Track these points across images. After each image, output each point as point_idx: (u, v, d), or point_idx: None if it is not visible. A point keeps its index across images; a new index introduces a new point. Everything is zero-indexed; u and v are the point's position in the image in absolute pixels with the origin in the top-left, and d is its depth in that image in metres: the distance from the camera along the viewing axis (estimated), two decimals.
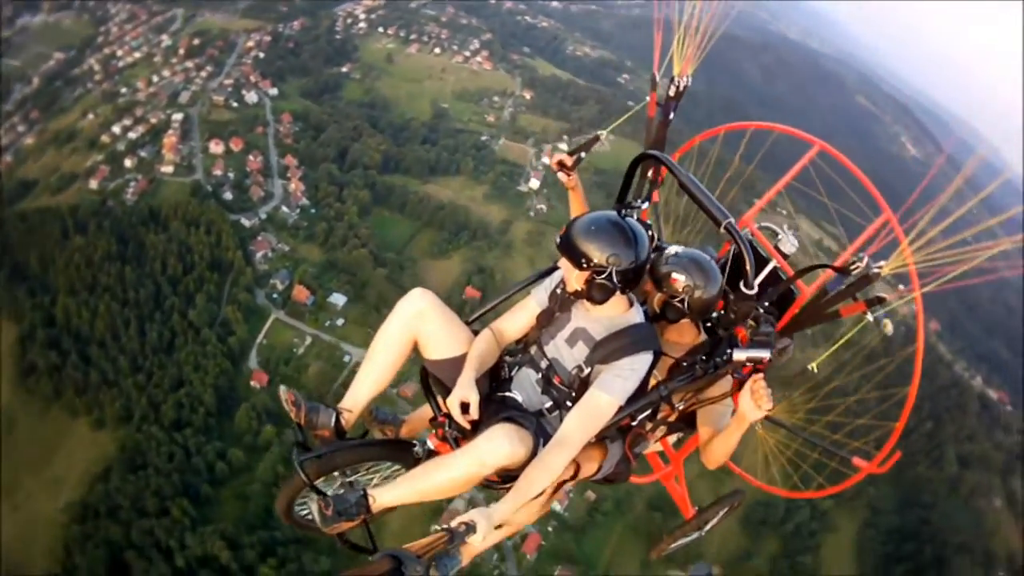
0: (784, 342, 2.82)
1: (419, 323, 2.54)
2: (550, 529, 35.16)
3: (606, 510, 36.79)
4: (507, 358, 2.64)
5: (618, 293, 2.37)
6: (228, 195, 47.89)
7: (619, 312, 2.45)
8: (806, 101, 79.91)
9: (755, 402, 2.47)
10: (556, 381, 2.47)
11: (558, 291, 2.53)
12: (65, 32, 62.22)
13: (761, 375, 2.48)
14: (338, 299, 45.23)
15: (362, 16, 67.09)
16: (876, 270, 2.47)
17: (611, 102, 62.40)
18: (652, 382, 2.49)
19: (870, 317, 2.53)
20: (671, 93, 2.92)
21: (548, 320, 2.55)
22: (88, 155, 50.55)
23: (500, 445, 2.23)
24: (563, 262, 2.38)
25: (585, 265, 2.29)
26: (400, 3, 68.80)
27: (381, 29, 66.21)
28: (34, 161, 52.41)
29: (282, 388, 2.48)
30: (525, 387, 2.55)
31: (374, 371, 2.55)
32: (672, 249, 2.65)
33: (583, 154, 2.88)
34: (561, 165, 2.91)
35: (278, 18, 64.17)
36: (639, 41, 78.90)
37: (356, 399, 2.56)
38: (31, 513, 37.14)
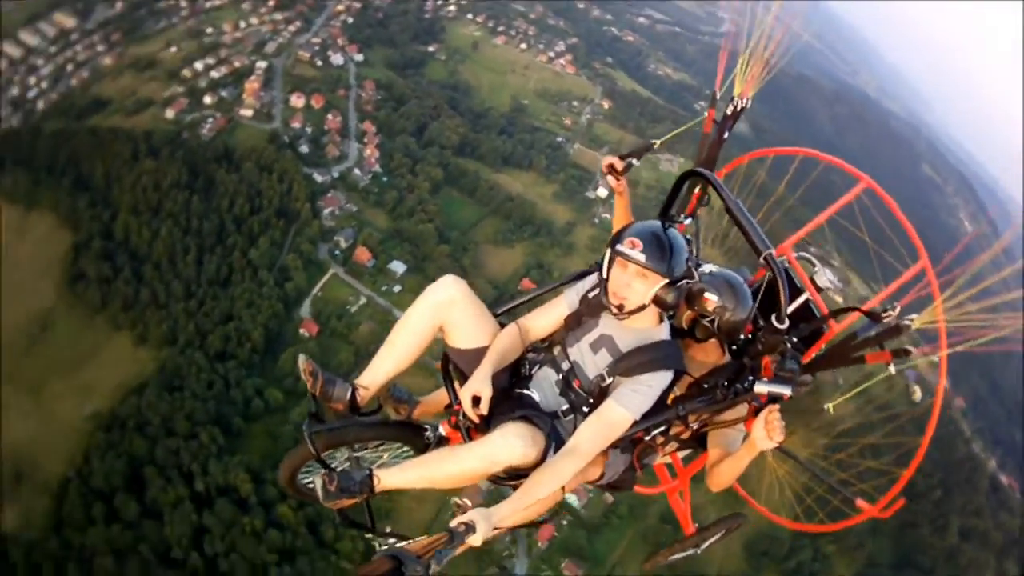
0: (805, 378, 3.00)
1: (447, 311, 2.80)
2: (564, 523, 39.21)
3: (621, 514, 40.82)
4: (530, 355, 2.91)
5: (651, 307, 2.63)
6: (304, 148, 53.91)
7: (648, 325, 2.73)
8: (873, 160, 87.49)
9: (768, 433, 2.72)
10: (575, 385, 2.75)
11: (590, 295, 2.79)
12: None
13: (777, 406, 2.73)
14: (398, 267, 50.46)
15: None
16: (908, 322, 2.70)
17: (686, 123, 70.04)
18: (671, 399, 2.83)
19: (892, 370, 2.78)
20: (728, 112, 3.21)
21: (575, 323, 2.81)
22: (167, 85, 56.55)
23: (513, 444, 2.49)
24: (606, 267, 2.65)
25: (669, 277, 2.56)
26: None
27: (470, 16, 73.87)
28: (111, 81, 58.74)
29: (301, 357, 2.76)
30: (543, 387, 2.83)
31: (395, 353, 2.81)
32: (707, 267, 2.99)
33: (634, 160, 3.14)
34: (611, 168, 3.17)
35: None
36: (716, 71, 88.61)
37: (374, 378, 2.82)
38: (53, 414, 41.69)
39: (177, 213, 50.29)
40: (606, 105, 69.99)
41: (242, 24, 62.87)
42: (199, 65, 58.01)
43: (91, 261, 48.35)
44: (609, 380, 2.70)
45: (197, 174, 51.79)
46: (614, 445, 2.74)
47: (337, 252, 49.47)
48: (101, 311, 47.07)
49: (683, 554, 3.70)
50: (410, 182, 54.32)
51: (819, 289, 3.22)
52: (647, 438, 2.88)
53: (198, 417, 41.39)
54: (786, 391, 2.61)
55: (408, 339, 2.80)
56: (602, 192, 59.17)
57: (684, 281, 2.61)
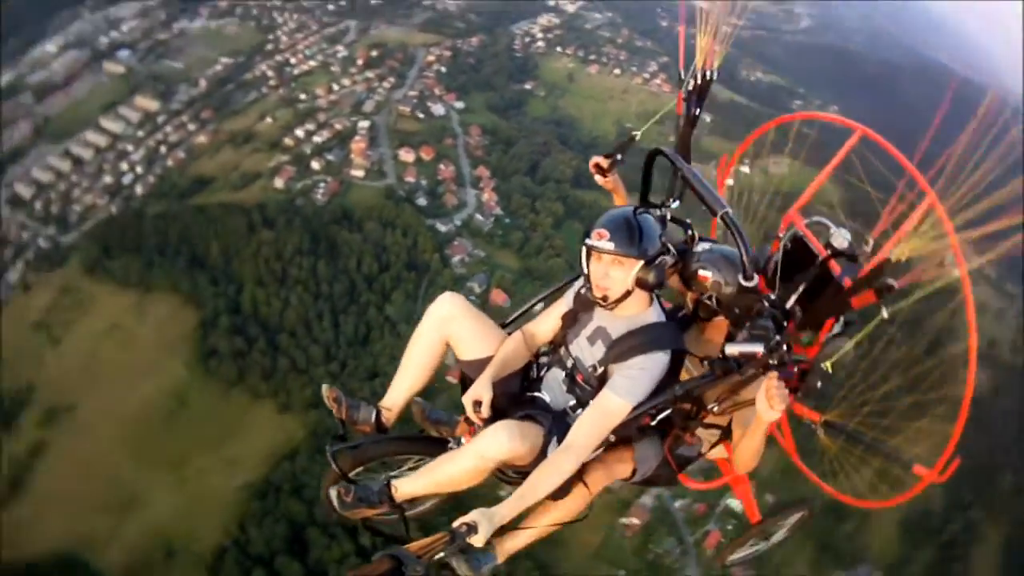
0: (841, 343, 3.61)
1: (447, 326, 3.78)
2: (729, 527, 46.65)
3: None
4: (542, 359, 3.79)
5: (638, 291, 3.38)
6: (422, 201, 64.95)
7: (638, 311, 3.46)
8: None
9: (769, 402, 3.22)
10: (579, 379, 3.55)
11: (582, 291, 3.58)
12: (230, 39, 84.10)
13: (775, 373, 3.22)
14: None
15: (539, 35, 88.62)
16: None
17: (788, 127, 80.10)
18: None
19: (885, 313, 3.23)
20: (690, 87, 3.94)
21: (573, 320, 3.66)
22: (271, 155, 69.07)
23: (498, 440, 3.26)
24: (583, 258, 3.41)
25: (641, 256, 3.30)
26: (576, 24, 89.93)
27: (559, 49, 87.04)
28: (209, 158, 71.79)
29: (324, 386, 3.77)
30: (553, 387, 3.68)
31: (408, 373, 3.86)
32: (702, 246, 3.63)
33: (618, 156, 4.03)
34: (597, 168, 4.10)
35: (455, 33, 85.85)
36: (807, 66, 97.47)
37: (394, 398, 3.87)
38: (201, 488, 51.55)
39: (305, 279, 61.60)
40: (708, 118, 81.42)
41: (335, 87, 76.03)
42: (300, 132, 70.43)
43: (222, 336, 59.31)
44: (601, 369, 3.49)
45: (319, 239, 63.50)
46: (622, 435, 3.57)
47: (472, 297, 59.10)
48: (238, 384, 57.64)
49: (752, 550, 4.53)
50: (532, 220, 64.69)
51: (839, 251, 3.61)
52: (653, 423, 3.63)
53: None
54: (757, 348, 3.16)
55: (417, 358, 3.86)
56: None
57: (661, 258, 3.35)
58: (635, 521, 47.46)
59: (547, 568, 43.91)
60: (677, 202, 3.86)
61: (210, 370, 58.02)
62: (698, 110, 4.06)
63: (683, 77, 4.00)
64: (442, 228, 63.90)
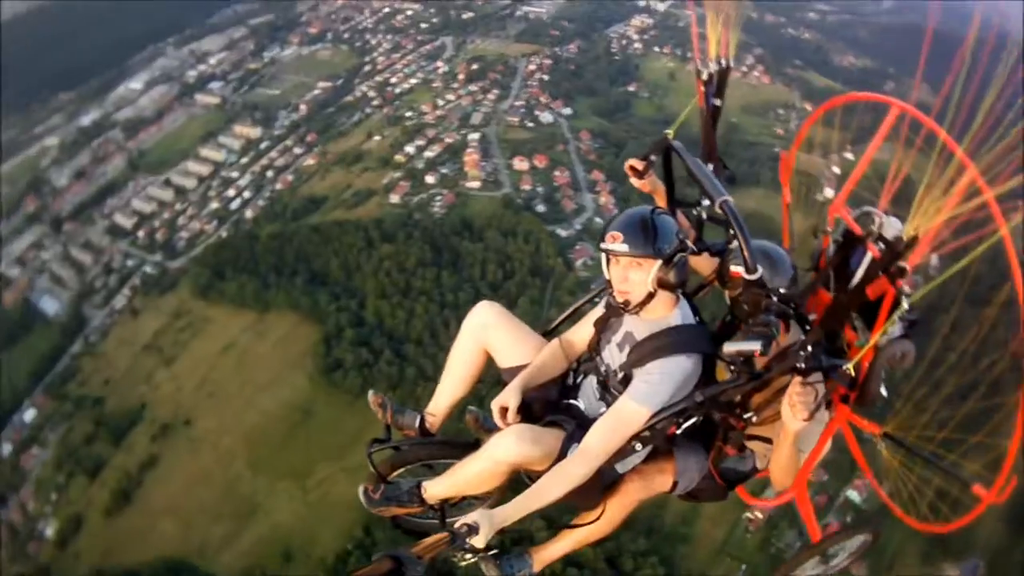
0: (904, 346, 3.85)
1: (484, 334, 4.52)
2: (847, 519, 52.75)
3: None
4: (583, 365, 4.42)
5: (662, 293, 3.84)
6: (540, 208, 77.20)
7: (662, 313, 3.92)
8: None
9: (791, 409, 3.60)
10: (609, 386, 4.09)
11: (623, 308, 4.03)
12: (324, 63, 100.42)
13: (799, 379, 3.57)
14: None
15: (635, 37, 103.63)
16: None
17: (883, 110, 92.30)
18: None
19: (906, 304, 3.58)
20: (704, 77, 4.50)
21: (605, 326, 4.23)
22: (383, 173, 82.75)
23: (508, 443, 3.85)
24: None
25: (658, 254, 3.76)
26: (668, 23, 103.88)
27: (656, 48, 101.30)
28: (320, 179, 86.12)
29: (370, 392, 4.59)
30: (588, 394, 4.28)
31: (451, 381, 4.64)
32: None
33: (653, 158, 4.57)
34: (633, 170, 4.69)
35: (552, 42, 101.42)
36: (895, 47, 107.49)
37: (438, 405, 4.66)
38: (324, 496, 61.29)
39: (428, 290, 74.73)
40: (808, 107, 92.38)
41: (439, 102, 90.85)
42: (410, 148, 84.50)
43: (346, 349, 72.32)
44: (622, 374, 3.98)
45: (440, 250, 77.15)
46: (647, 443, 3.99)
47: (597, 300, 72.87)
48: (363, 394, 71.37)
49: (812, 573, 4.97)
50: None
51: (890, 242, 3.78)
52: (679, 432, 4.04)
53: None
54: (754, 346, 3.49)
55: (458, 367, 4.62)
56: (828, 193, 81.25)
57: (679, 255, 3.78)
58: (759, 515, 52.93)
59: (671, 563, 52.72)
60: (706, 201, 4.34)
61: (334, 382, 69.69)
62: (718, 100, 4.67)
63: (699, 68, 4.61)
64: (563, 233, 76.17)
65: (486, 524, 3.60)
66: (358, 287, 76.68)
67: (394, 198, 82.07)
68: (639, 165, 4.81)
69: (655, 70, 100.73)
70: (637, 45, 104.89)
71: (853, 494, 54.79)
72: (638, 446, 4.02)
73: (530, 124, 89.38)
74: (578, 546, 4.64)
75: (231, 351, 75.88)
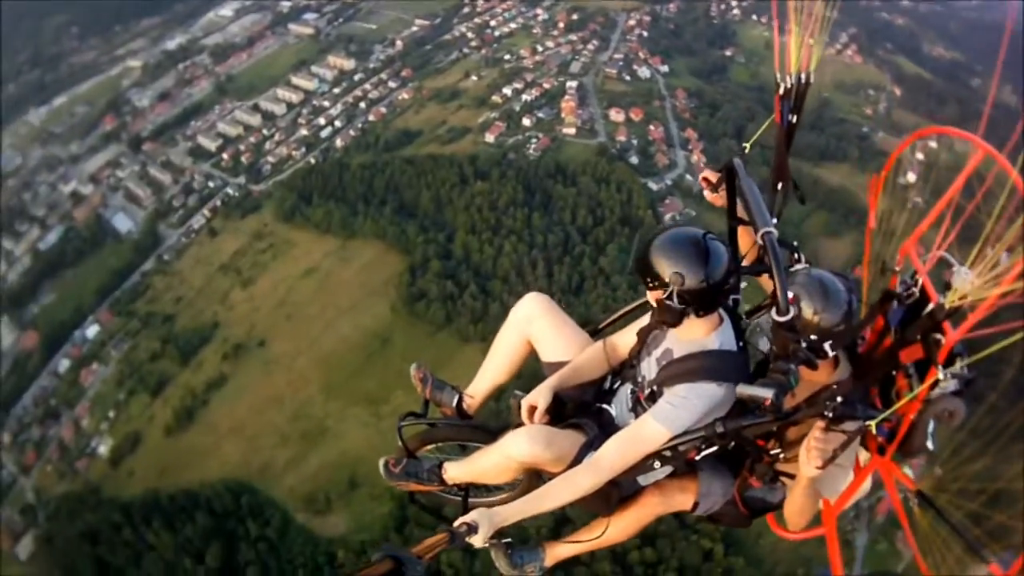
0: (953, 403, 3.72)
1: (528, 327, 4.59)
2: (900, 496, 58.48)
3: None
4: (623, 373, 4.40)
5: (692, 316, 3.74)
6: (634, 159, 79.17)
7: (699, 335, 3.85)
8: None
9: (806, 454, 3.66)
10: (640, 398, 4.06)
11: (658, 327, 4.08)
12: (422, 2, 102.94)
13: (821, 424, 3.63)
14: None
15: (734, 3, 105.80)
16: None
17: (970, 104, 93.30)
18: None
19: (941, 375, 3.51)
20: (781, 92, 4.32)
21: (648, 336, 4.17)
22: (479, 112, 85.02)
23: (520, 442, 3.98)
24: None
25: (652, 283, 3.67)
26: None
27: (755, 16, 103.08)
28: (414, 113, 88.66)
29: (413, 365, 4.72)
30: (621, 401, 4.28)
31: (492, 368, 4.74)
32: (804, 269, 4.00)
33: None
34: (707, 182, 4.62)
35: None
36: (985, 44, 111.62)
37: (478, 388, 4.75)
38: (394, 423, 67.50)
39: (519, 230, 76.67)
40: (897, 92, 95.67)
41: (539, 48, 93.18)
42: (507, 91, 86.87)
43: (431, 281, 73.83)
44: (649, 391, 3.99)
45: (533, 191, 79.07)
46: (670, 463, 4.01)
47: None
48: (445, 327, 71.07)
49: None
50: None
51: (932, 311, 3.64)
52: (699, 458, 4.08)
53: None
54: (765, 394, 3.37)
55: (500, 356, 4.73)
56: (911, 177, 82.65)
57: (669, 288, 3.65)
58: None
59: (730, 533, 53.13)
60: (774, 220, 4.01)
61: (416, 313, 71.69)
62: (794, 117, 4.45)
63: (778, 80, 4.39)
64: (654, 187, 78.08)
65: (485, 524, 3.69)
66: (448, 221, 79.16)
67: (489, 137, 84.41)
68: (712, 177, 4.69)
69: (752, 37, 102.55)
70: (736, 11, 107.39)
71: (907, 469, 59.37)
72: (656, 464, 4.04)
73: (627, 77, 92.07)
74: (592, 548, 4.72)
75: (312, 275, 78.37)
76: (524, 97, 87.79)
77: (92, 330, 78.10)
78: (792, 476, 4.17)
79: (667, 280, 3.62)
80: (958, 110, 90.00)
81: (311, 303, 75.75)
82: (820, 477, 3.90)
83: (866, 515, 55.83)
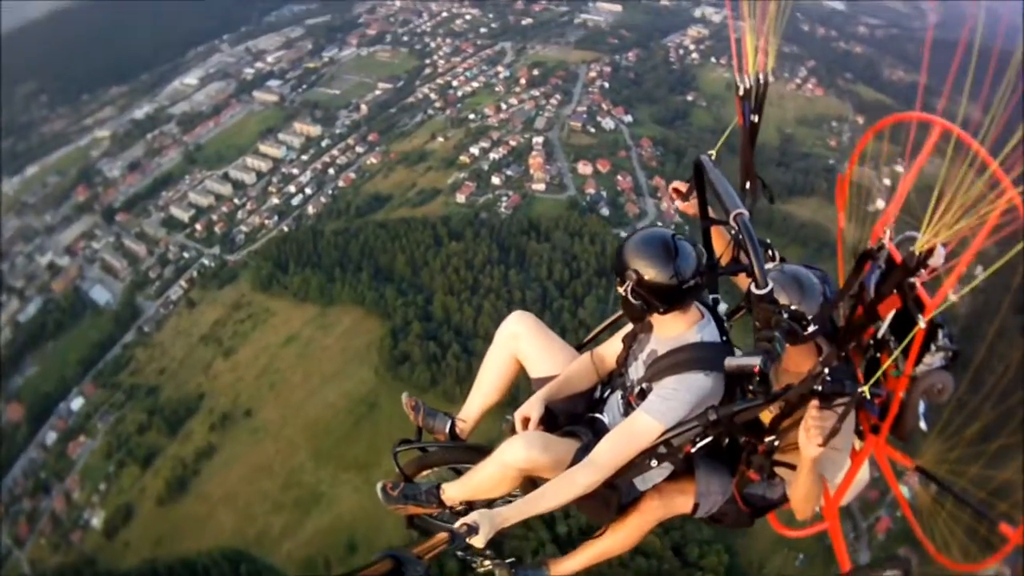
0: (941, 377, 4.04)
1: (515, 344, 4.82)
2: (899, 514, 55.38)
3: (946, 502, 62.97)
4: (612, 382, 4.62)
5: (659, 312, 4.03)
6: (604, 211, 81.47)
7: (680, 331, 4.09)
8: None
9: (805, 433, 3.77)
10: (631, 401, 4.25)
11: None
12: (384, 65, 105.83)
13: (816, 402, 3.72)
14: (721, 306, 78.66)
15: (692, 47, 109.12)
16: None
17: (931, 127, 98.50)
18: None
19: (922, 323, 3.70)
20: (740, 93, 4.62)
21: (633, 342, 4.43)
22: (448, 173, 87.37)
23: (516, 447, 4.10)
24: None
25: (619, 279, 4.00)
26: (724, 34, 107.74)
27: (713, 59, 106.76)
28: (383, 178, 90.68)
29: (404, 394, 4.95)
30: (612, 409, 4.48)
31: (481, 389, 4.93)
32: (778, 265, 4.25)
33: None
34: (677, 192, 4.95)
35: (612, 49, 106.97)
36: (945, 63, 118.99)
37: (469, 412, 4.95)
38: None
39: (496, 288, 78.27)
40: (860, 120, 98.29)
41: (503, 106, 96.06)
42: (475, 150, 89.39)
43: (413, 343, 75.22)
44: (638, 389, 4.19)
45: (507, 249, 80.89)
46: (665, 460, 4.17)
47: None
48: (431, 388, 71.67)
49: None
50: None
51: (934, 270, 3.85)
52: (694, 451, 4.14)
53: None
54: (753, 361, 3.58)
55: (489, 375, 4.92)
56: (880, 204, 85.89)
57: (627, 283, 4.00)
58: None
59: (735, 553, 55.88)
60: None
61: (400, 376, 72.24)
62: (756, 117, 4.73)
63: (737, 83, 4.63)
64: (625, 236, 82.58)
65: (486, 524, 3.77)
66: (425, 283, 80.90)
67: (460, 197, 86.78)
68: (682, 187, 4.98)
69: (712, 80, 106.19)
70: (694, 55, 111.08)
71: (903, 488, 60.77)
72: (654, 463, 4.14)
73: (592, 129, 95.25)
74: (596, 560, 4.84)
75: (293, 343, 79.47)
76: (492, 155, 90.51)
77: (77, 403, 78.49)
78: (790, 466, 4.25)
79: (633, 276, 3.94)
80: (923, 132, 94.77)
81: (294, 371, 76.87)
82: (821, 459, 3.99)
83: (866, 536, 57.94)
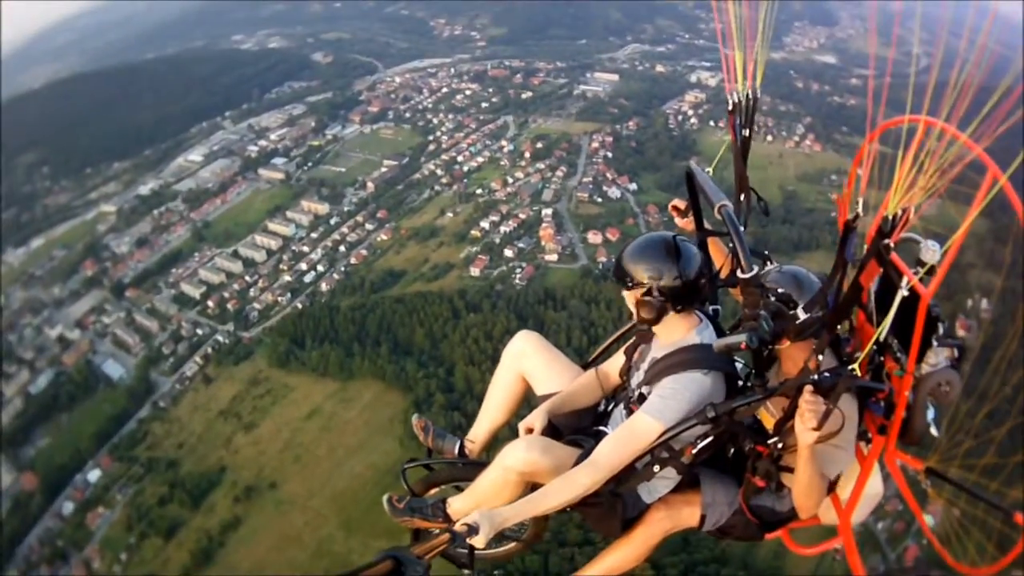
0: (947, 375, 4.14)
1: (521, 362, 5.03)
2: (924, 542, 55.75)
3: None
4: (617, 396, 4.88)
5: (672, 313, 4.22)
6: None
7: (679, 335, 4.31)
8: None
9: (799, 417, 3.84)
10: (633, 409, 4.38)
11: (640, 326, 4.51)
12: (387, 142, 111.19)
13: (809, 387, 3.85)
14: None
15: (690, 112, 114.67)
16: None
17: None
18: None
19: (904, 289, 3.82)
20: (729, 108, 4.92)
21: (635, 353, 4.70)
22: (460, 247, 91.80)
23: (516, 451, 4.26)
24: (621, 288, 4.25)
25: (629, 284, 4.22)
26: (721, 97, 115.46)
27: (712, 123, 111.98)
28: (395, 254, 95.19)
29: (414, 416, 5.23)
30: (616, 421, 4.66)
31: (490, 408, 5.20)
32: (776, 267, 4.42)
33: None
34: (676, 210, 5.21)
35: (612, 119, 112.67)
36: (937, 107, 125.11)
37: (478, 432, 5.20)
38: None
39: None
40: (859, 172, 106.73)
41: (509, 180, 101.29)
42: (484, 224, 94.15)
43: (437, 414, 76.80)
44: (638, 392, 4.44)
45: (525, 318, 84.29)
46: (667, 464, 4.32)
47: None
48: (459, 459, 78.49)
49: None
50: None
51: (929, 266, 3.98)
52: (695, 451, 4.25)
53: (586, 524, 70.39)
54: (741, 338, 3.76)
55: (497, 395, 5.18)
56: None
57: (649, 288, 4.24)
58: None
59: None
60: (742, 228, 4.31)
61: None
62: (747, 131, 5.03)
63: (727, 98, 4.89)
64: None
65: (487, 524, 3.88)
66: (445, 356, 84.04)
67: (474, 271, 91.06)
68: (681, 205, 5.24)
69: (713, 144, 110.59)
70: (693, 120, 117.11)
71: (928, 518, 63.89)
72: (657, 467, 4.32)
73: (599, 199, 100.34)
74: None
75: (316, 417, 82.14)
76: (502, 229, 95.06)
77: (94, 474, 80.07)
78: (793, 470, 4.26)
79: (644, 279, 4.17)
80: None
81: (318, 444, 79.34)
82: (822, 455, 4.08)
83: (892, 557, 58.98)
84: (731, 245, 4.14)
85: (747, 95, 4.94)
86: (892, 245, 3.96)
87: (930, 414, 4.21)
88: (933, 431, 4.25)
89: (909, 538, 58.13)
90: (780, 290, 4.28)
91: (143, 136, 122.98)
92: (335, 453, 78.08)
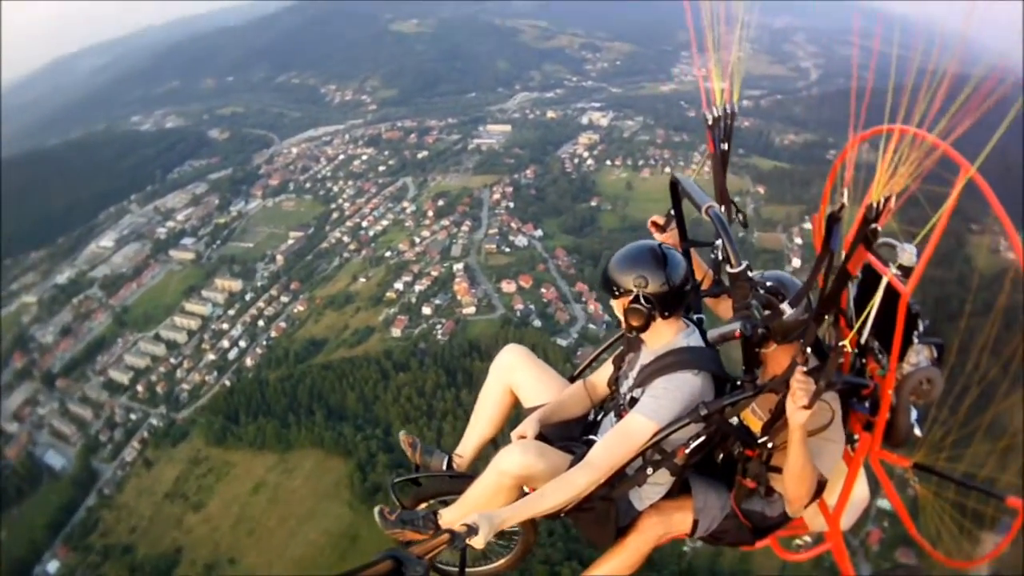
0: (928, 372, 4.25)
1: (509, 375, 5.14)
2: (886, 524, 58.55)
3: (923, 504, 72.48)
4: (606, 406, 5.00)
5: (659, 319, 4.36)
6: (537, 323, 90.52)
7: (667, 340, 4.45)
8: None
9: (791, 397, 3.96)
10: (623, 415, 4.47)
11: (629, 334, 4.59)
12: (291, 213, 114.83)
13: (802, 368, 3.98)
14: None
15: (586, 154, 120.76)
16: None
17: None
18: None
19: (894, 271, 3.91)
20: (709, 122, 5.09)
21: (622, 361, 4.79)
22: (378, 310, 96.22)
23: (511, 454, 4.36)
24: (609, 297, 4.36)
25: (617, 292, 4.35)
26: (614, 135, 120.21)
27: (608, 162, 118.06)
28: (314, 323, 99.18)
29: (402, 432, 5.35)
30: (606, 429, 4.71)
31: (478, 422, 5.28)
32: (754, 274, 4.41)
33: (672, 212, 5.21)
34: (655, 225, 5.31)
35: (508, 170, 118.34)
36: (832, 117, 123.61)
37: (466, 447, 5.28)
38: None
39: (451, 410, 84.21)
40: (762, 191, 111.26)
41: (416, 240, 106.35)
42: (398, 285, 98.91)
43: (382, 474, 79.09)
44: (628, 396, 4.53)
45: (453, 372, 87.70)
46: (660, 465, 4.43)
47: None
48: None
49: None
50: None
51: (908, 269, 4.09)
52: (687, 451, 4.35)
53: (554, 559, 68.21)
54: (734, 327, 3.96)
55: (485, 408, 5.27)
56: (796, 263, 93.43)
57: (636, 296, 4.41)
58: (807, 539, 68.91)
59: None
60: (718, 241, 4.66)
61: (374, 506, 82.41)
62: (725, 144, 5.27)
63: (705, 114, 5.10)
64: (563, 343, 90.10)
65: (485, 525, 3.93)
66: (380, 416, 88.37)
67: (395, 331, 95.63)
68: (660, 220, 5.35)
69: (611, 182, 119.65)
70: (589, 162, 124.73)
71: (883, 502, 52.34)
72: (650, 470, 4.42)
73: (507, 249, 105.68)
74: None
75: (262, 490, 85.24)
76: (416, 288, 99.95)
77: (53, 565, 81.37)
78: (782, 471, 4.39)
79: (631, 287, 4.36)
80: (822, 184, 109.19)
81: (268, 516, 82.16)
82: (813, 447, 4.25)
83: (862, 550, 60.71)
84: (719, 242, 4.66)
85: (724, 110, 5.26)
86: (879, 229, 4.03)
87: (913, 415, 4.38)
88: (917, 431, 4.42)
89: (869, 522, 60.10)
90: (768, 284, 4.51)
91: (55, 224, 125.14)
92: (287, 523, 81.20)
